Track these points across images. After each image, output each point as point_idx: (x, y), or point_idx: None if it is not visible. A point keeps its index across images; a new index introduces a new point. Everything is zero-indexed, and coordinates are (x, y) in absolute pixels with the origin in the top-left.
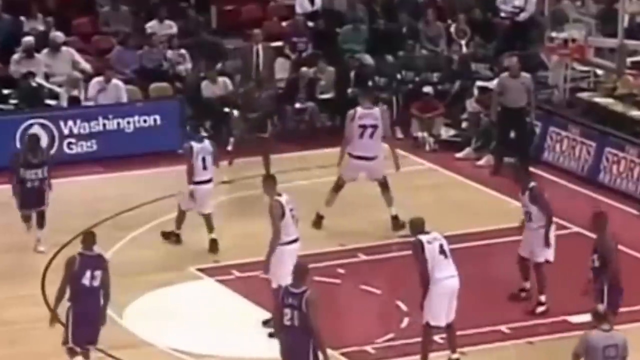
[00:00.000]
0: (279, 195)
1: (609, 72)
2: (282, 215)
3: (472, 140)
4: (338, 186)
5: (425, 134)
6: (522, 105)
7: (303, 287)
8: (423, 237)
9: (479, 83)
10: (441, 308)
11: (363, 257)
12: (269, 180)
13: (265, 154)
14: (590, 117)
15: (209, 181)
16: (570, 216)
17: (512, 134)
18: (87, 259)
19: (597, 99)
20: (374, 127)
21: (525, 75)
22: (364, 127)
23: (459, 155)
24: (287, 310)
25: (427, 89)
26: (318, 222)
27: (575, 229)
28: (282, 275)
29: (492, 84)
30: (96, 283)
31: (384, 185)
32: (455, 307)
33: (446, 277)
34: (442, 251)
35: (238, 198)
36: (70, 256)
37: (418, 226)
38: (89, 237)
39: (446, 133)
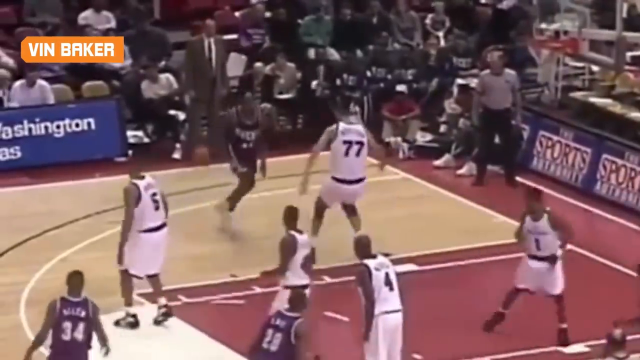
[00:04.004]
0: (141, 178)
1: (606, 69)
2: (137, 199)
3: (451, 146)
4: (319, 211)
5: (399, 139)
6: (507, 107)
7: (297, 313)
8: (370, 263)
9: (460, 81)
10: (383, 347)
11: (328, 279)
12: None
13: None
14: (585, 119)
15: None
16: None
17: (497, 139)
18: (69, 306)
19: (593, 99)
20: (360, 144)
21: (509, 72)
22: (349, 143)
23: (437, 163)
24: (270, 331)
25: (401, 87)
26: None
27: (569, 246)
28: (134, 262)
29: (474, 82)
30: (80, 336)
31: (352, 208)
32: (401, 346)
33: (387, 311)
34: (387, 281)
35: (187, 213)
36: (51, 300)
37: (365, 247)
38: (75, 279)
39: (422, 138)
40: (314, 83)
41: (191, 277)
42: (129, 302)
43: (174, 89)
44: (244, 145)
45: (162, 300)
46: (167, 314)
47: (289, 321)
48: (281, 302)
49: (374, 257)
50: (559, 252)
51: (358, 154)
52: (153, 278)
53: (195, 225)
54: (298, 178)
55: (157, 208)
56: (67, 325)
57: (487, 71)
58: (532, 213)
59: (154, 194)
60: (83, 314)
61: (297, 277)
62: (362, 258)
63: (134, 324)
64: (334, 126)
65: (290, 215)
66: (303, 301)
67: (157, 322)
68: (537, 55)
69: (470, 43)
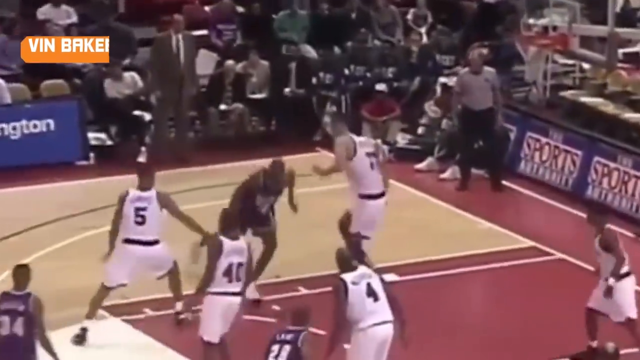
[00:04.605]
0: (144, 189)
1: (598, 66)
2: (120, 208)
3: (434, 148)
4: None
5: (379, 141)
6: (489, 106)
7: (301, 327)
8: (348, 277)
9: (443, 80)
10: None
11: (304, 290)
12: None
13: None
14: (576, 120)
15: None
16: (552, 240)
17: (482, 141)
18: (8, 299)
19: (584, 99)
20: (375, 155)
21: (488, 70)
22: (371, 155)
23: (419, 166)
24: (276, 347)
25: (381, 86)
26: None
27: (559, 255)
28: (110, 272)
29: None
30: (19, 331)
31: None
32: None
33: (376, 323)
34: (370, 292)
35: None
36: None
37: (343, 260)
38: (18, 272)
39: (403, 140)
40: (286, 90)
41: (156, 289)
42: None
43: (139, 88)
44: (260, 211)
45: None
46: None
47: (296, 334)
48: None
49: (354, 269)
50: (611, 281)
51: (376, 166)
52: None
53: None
54: None
55: (139, 223)
56: (5, 319)
57: (465, 70)
58: (595, 228)
59: (140, 209)
60: (21, 307)
61: (216, 284)
62: (341, 272)
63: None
64: (348, 138)
65: (225, 218)
66: (307, 315)
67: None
68: (525, 52)
69: (455, 39)
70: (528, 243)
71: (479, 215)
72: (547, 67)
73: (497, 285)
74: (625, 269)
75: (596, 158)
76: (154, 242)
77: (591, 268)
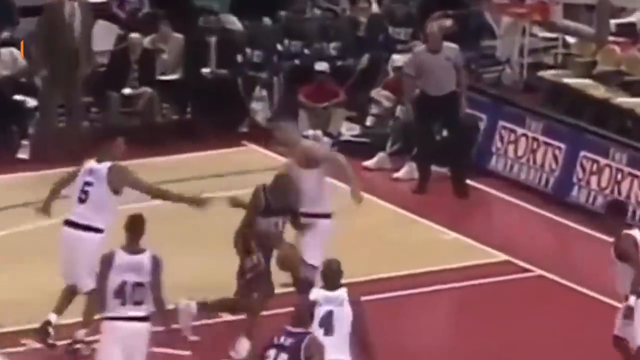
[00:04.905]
0: (100, 161)
1: (585, 41)
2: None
3: (386, 142)
4: None
5: (319, 132)
6: (451, 90)
7: (305, 329)
8: (320, 295)
9: (397, 57)
10: None
11: (227, 316)
12: None
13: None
14: (558, 106)
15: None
16: (530, 253)
17: (443, 133)
18: None
19: (568, 80)
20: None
21: (449, 46)
22: None
23: (368, 163)
24: (272, 352)
25: (322, 66)
26: None
27: (538, 271)
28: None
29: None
30: None
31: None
32: None
33: None
34: (324, 322)
35: (39, 230)
36: None
37: (326, 275)
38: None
39: (349, 131)
40: (205, 70)
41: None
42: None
43: (21, 67)
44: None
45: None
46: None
47: (298, 338)
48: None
49: (333, 287)
50: (632, 300)
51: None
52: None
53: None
54: (191, 183)
55: (81, 200)
56: None
57: (422, 47)
58: (613, 236)
59: (87, 183)
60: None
61: (109, 306)
62: (323, 287)
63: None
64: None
65: (128, 226)
66: (307, 315)
67: None
68: (497, 24)
69: (411, 8)
70: (501, 257)
71: (441, 223)
72: (524, 42)
73: (465, 309)
74: None
75: (583, 153)
76: (88, 228)
77: (574, 286)
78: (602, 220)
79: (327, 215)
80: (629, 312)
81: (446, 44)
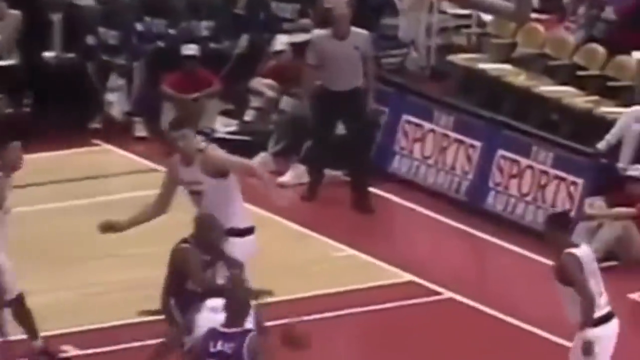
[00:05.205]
0: None
1: (504, 18)
2: None
3: (269, 140)
4: None
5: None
6: (357, 86)
7: (241, 325)
8: (208, 304)
9: (282, 38)
10: None
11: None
12: None
13: None
14: (472, 96)
15: None
16: (440, 272)
17: (342, 129)
18: None
19: (484, 65)
20: None
21: (358, 32)
22: None
23: None
24: None
25: (191, 49)
26: None
27: (449, 294)
28: None
29: (299, 37)
30: None
31: None
32: None
33: None
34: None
35: None
36: None
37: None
38: None
39: (225, 127)
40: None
41: None
42: None
43: None
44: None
45: None
46: None
47: (238, 341)
48: None
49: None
50: (590, 333)
51: None
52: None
53: None
54: (28, 191)
55: None
56: None
57: (324, 31)
58: (553, 252)
59: None
60: None
61: None
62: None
63: None
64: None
65: None
66: (246, 307)
67: None
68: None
69: None
70: (405, 277)
71: (335, 237)
72: (431, 20)
73: (363, 339)
74: (603, 311)
75: (501, 152)
76: None
77: (489, 310)
78: (541, 237)
79: (241, 232)
80: (588, 347)
81: (354, 29)
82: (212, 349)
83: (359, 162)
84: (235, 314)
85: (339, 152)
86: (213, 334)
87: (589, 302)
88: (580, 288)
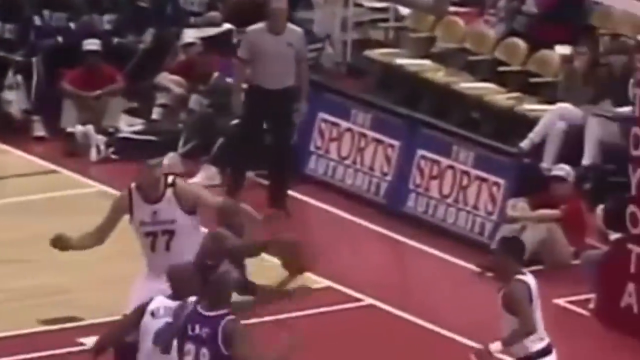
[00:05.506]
0: None
1: (422, 11)
2: None
3: (178, 139)
4: None
5: (90, 128)
6: (289, 85)
7: (221, 308)
8: (153, 304)
9: (191, 33)
10: None
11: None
12: None
13: None
14: (390, 93)
15: None
16: (359, 278)
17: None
18: None
19: (401, 61)
20: None
21: (294, 29)
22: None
23: None
24: (190, 347)
25: (92, 44)
26: None
27: (369, 300)
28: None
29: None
30: None
31: None
32: None
33: None
34: (159, 339)
35: None
36: None
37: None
38: None
39: (130, 126)
40: None
41: None
42: None
43: None
44: None
45: None
46: None
47: (214, 324)
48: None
49: (177, 297)
50: (494, 345)
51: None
52: None
53: None
54: None
55: None
56: None
57: (259, 25)
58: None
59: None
60: None
61: None
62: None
63: None
64: None
65: None
66: (227, 285)
67: None
68: None
69: None
70: (323, 283)
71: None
72: (347, 14)
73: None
74: (541, 344)
75: (421, 152)
76: None
77: (411, 317)
78: (491, 258)
79: None
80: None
81: (290, 26)
82: (190, 332)
83: (281, 164)
84: (217, 296)
85: (259, 152)
86: (192, 316)
87: (525, 333)
88: (524, 319)
